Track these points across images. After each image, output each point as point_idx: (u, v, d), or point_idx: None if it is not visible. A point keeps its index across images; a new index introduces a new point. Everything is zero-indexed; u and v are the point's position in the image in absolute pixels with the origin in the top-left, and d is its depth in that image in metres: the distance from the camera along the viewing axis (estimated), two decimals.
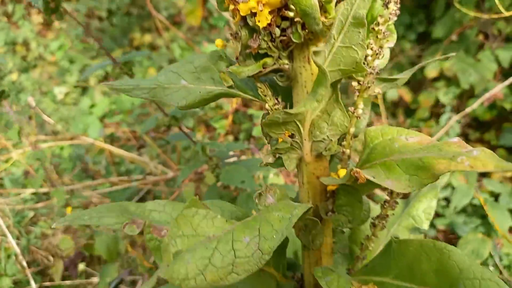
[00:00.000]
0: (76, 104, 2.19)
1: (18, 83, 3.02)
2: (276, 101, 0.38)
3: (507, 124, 1.98)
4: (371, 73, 0.34)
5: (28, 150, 1.23)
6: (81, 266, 2.16)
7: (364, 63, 0.33)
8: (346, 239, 0.45)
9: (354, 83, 0.35)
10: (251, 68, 0.34)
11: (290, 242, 0.55)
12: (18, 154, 1.23)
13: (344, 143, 0.38)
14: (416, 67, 0.38)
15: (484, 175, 1.73)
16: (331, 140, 0.36)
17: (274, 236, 0.32)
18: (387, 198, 0.42)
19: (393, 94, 2.01)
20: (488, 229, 1.47)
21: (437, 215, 1.84)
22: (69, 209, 1.13)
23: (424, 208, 0.49)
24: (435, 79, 2.02)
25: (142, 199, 1.70)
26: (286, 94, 0.40)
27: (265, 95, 0.38)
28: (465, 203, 1.47)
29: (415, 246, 0.34)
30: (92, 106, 1.91)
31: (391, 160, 0.32)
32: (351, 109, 0.36)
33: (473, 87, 1.83)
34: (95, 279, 1.97)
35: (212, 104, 2.05)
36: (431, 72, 1.91)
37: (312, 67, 0.35)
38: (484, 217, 1.62)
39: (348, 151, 0.38)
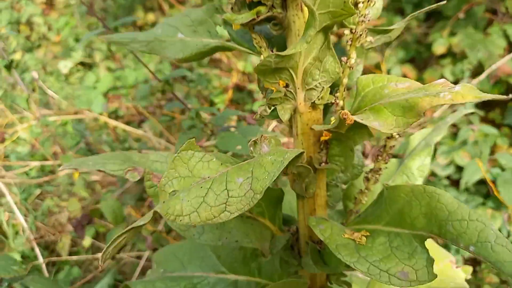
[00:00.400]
0: (81, 83, 2.20)
1: (22, 62, 3.03)
2: (270, 52, 0.38)
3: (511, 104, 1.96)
4: (362, 21, 0.34)
5: (32, 124, 1.25)
6: (88, 241, 2.21)
7: (355, 10, 0.33)
8: (340, 192, 0.46)
9: (346, 32, 0.36)
10: (245, 16, 0.34)
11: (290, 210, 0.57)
12: (24, 128, 1.25)
13: (337, 94, 0.39)
14: (409, 17, 0.38)
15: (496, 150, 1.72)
16: (323, 87, 0.36)
17: (266, 177, 0.33)
18: (380, 151, 0.43)
19: (396, 71, 1.99)
20: (498, 205, 1.47)
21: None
22: (76, 175, 1.15)
23: (418, 166, 0.50)
24: (441, 56, 1.99)
25: None
26: (280, 46, 0.40)
27: (260, 46, 0.38)
28: (476, 179, 1.46)
29: (406, 192, 0.35)
30: (97, 81, 1.92)
31: (379, 104, 0.33)
32: (344, 59, 0.37)
33: (482, 64, 1.80)
34: (101, 255, 2.00)
35: (216, 84, 2.04)
36: (439, 48, 1.88)
37: (305, 15, 0.35)
38: (487, 196, 1.62)
39: (341, 102, 0.39)
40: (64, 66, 2.12)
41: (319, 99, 0.37)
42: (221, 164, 0.36)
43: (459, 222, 0.31)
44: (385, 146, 0.43)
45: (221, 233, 0.42)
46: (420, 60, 2.27)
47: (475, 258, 1.62)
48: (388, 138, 0.43)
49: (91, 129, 1.64)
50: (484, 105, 2.15)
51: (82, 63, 2.32)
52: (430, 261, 0.33)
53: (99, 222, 2.25)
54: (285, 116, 0.39)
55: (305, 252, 0.46)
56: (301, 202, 0.44)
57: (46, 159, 2.00)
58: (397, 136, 0.42)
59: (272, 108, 0.41)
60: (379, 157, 0.43)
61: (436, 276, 0.32)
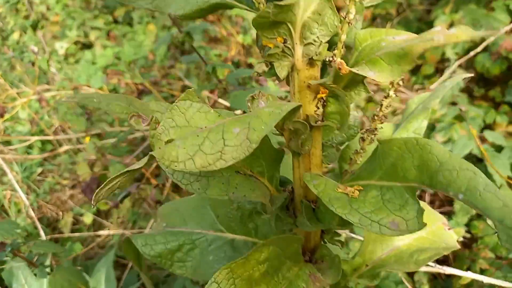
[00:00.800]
0: (79, 63, 2.19)
1: (21, 42, 3.01)
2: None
3: None
4: None
5: (32, 98, 1.25)
6: (89, 218, 2.24)
7: None
8: (335, 153, 0.47)
9: None
10: None
11: None
12: (24, 103, 1.26)
13: (335, 51, 0.39)
14: None
15: (486, 127, 1.73)
16: (321, 41, 0.37)
17: (263, 128, 0.33)
18: (377, 110, 0.44)
19: None
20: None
21: None
22: (87, 138, 1.16)
23: (414, 129, 0.50)
24: None
25: (147, 148, 1.74)
26: None
27: (258, 2, 0.38)
28: (465, 153, 1.48)
29: (399, 145, 0.36)
30: (94, 59, 1.92)
31: (376, 56, 0.33)
32: (343, 14, 0.37)
33: (484, 39, 1.78)
34: (102, 232, 2.05)
35: (217, 61, 2.04)
36: (440, 25, 1.86)
37: None
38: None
39: (339, 59, 0.39)
40: (60, 46, 2.11)
41: (316, 55, 0.38)
42: (219, 116, 0.36)
43: (449, 171, 0.32)
44: (381, 105, 0.43)
45: (227, 188, 0.43)
46: None
47: (471, 236, 1.64)
48: (385, 97, 0.43)
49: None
50: (485, 84, 2.14)
51: (78, 43, 2.30)
52: (421, 212, 0.34)
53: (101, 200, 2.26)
54: (282, 72, 0.39)
55: (300, 211, 0.47)
56: (297, 161, 0.45)
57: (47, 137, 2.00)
58: (393, 95, 0.43)
59: (270, 67, 0.41)
60: (375, 117, 0.44)
61: (425, 224, 0.33)
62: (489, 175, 1.53)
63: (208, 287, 0.40)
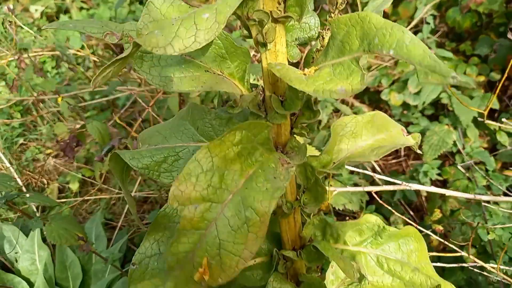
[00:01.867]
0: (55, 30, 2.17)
1: None
2: None
3: (483, 36, 2.04)
4: None
5: (10, 60, 1.26)
6: (75, 186, 2.26)
7: None
8: (298, 52, 0.53)
9: None
10: None
11: None
12: (2, 64, 1.27)
13: None
14: None
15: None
16: None
17: (228, 9, 0.39)
18: (332, 9, 0.50)
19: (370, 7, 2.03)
20: (454, 122, 1.59)
21: (412, 123, 1.95)
22: (59, 99, 1.19)
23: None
24: None
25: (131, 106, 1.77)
26: None
27: None
28: (433, 98, 1.57)
29: (345, 22, 0.42)
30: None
31: None
32: None
33: None
34: (88, 197, 2.09)
35: None
36: None
37: None
38: (446, 115, 1.73)
39: None
40: (35, 10, 2.08)
41: None
42: (189, 7, 0.42)
43: (383, 34, 0.38)
44: (336, 2, 0.49)
45: (197, 83, 0.49)
46: None
47: (443, 180, 1.75)
48: None
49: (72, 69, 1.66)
50: (456, 38, 2.22)
51: (53, 7, 2.27)
52: (363, 76, 0.41)
53: (85, 168, 2.31)
54: None
55: (270, 108, 0.54)
56: (265, 57, 0.50)
57: (28, 109, 2.00)
58: None
59: None
60: (332, 14, 0.50)
61: (366, 85, 0.40)
62: (456, 118, 1.62)
63: (190, 163, 0.46)
